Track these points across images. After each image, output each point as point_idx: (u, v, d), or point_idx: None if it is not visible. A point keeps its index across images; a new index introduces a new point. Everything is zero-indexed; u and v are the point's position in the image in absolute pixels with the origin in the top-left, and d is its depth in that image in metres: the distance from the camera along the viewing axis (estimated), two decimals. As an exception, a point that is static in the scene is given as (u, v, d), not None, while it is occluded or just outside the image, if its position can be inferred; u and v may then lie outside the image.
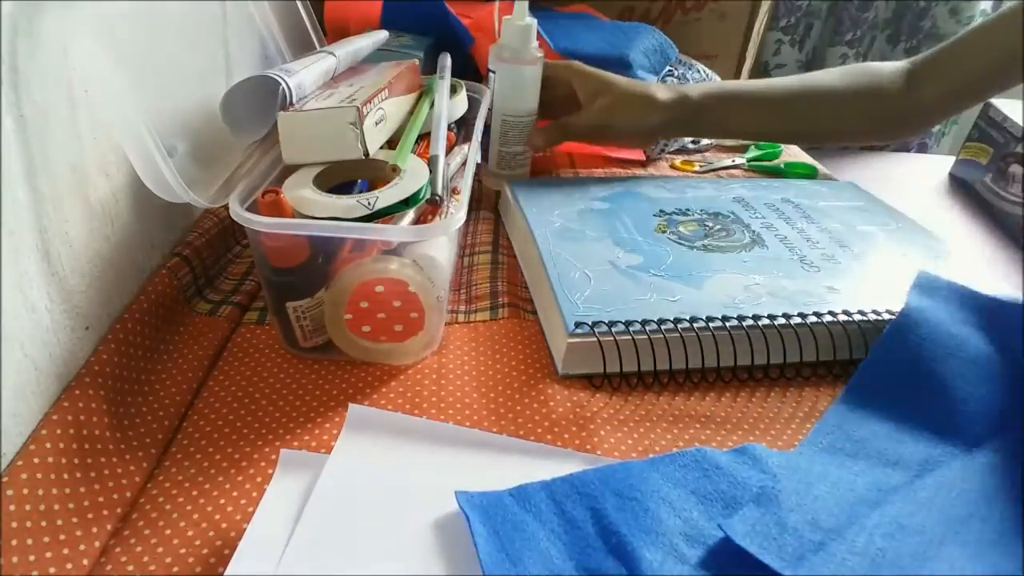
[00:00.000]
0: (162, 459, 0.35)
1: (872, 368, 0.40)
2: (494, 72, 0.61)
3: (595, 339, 0.40)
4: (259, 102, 0.44)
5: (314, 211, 0.38)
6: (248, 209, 0.37)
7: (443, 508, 0.30)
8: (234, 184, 0.40)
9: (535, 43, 0.61)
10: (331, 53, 0.50)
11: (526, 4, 0.59)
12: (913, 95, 0.62)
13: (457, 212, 0.39)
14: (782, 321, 0.42)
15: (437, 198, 0.40)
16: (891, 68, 0.63)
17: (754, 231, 0.54)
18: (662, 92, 0.61)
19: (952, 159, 0.78)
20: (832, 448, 0.36)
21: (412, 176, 0.41)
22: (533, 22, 0.60)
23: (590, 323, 0.41)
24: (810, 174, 0.71)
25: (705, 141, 0.79)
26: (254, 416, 0.38)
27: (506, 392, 0.40)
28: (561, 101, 0.62)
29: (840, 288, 0.46)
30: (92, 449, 0.32)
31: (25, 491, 0.29)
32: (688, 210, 0.57)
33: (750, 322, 0.42)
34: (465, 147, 0.53)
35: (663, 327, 0.41)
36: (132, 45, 0.39)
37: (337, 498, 0.30)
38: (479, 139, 0.51)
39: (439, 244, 0.42)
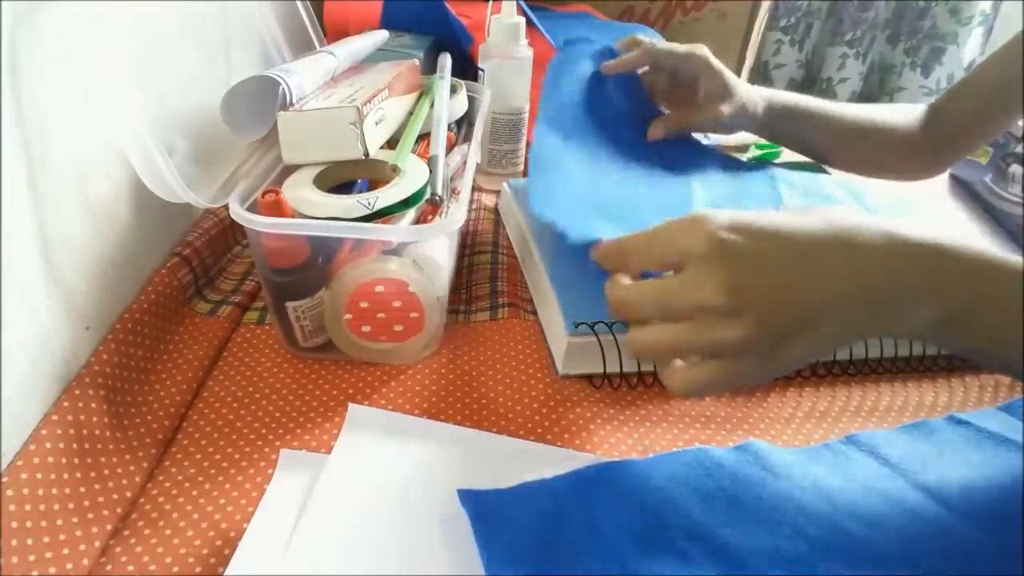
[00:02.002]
0: (162, 459, 0.35)
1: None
2: (483, 70, 0.61)
3: (595, 339, 0.40)
4: (259, 102, 0.44)
5: (314, 211, 0.38)
6: (248, 209, 0.37)
7: (443, 507, 0.30)
8: (234, 184, 0.40)
9: (524, 41, 0.61)
10: (331, 53, 0.50)
11: (514, 3, 0.59)
12: (929, 138, 0.63)
13: (457, 212, 0.39)
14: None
15: (437, 198, 0.40)
16: (919, 108, 0.65)
17: None
18: (760, 99, 0.60)
19: (952, 159, 0.78)
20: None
21: (412, 176, 0.41)
22: (521, 20, 0.60)
23: (590, 323, 0.41)
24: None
25: (705, 141, 0.78)
26: (254, 416, 0.38)
27: (506, 392, 0.40)
28: (683, 84, 0.60)
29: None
30: (92, 449, 0.32)
31: (25, 491, 0.29)
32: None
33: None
34: (465, 147, 0.53)
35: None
36: (132, 45, 0.39)
37: (337, 498, 0.30)
38: (479, 139, 0.51)
39: (439, 244, 0.42)
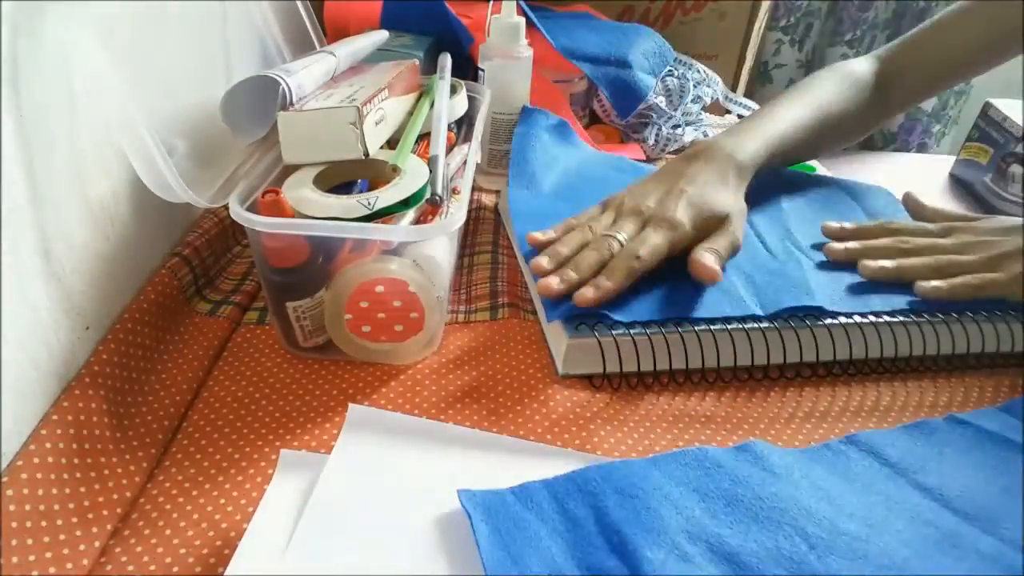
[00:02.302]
0: (162, 459, 0.35)
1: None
2: (483, 70, 0.61)
3: (595, 339, 0.40)
4: (259, 102, 0.44)
5: (314, 211, 0.38)
6: (248, 209, 0.37)
7: (443, 507, 0.30)
8: (234, 184, 0.40)
9: (524, 41, 0.61)
10: (331, 53, 0.50)
11: (514, 3, 0.60)
12: (884, 93, 0.63)
13: (457, 212, 0.39)
14: (783, 323, 0.42)
15: (437, 198, 0.40)
16: (864, 70, 0.63)
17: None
18: (739, 186, 0.51)
19: (952, 159, 0.78)
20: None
21: (412, 176, 0.41)
22: (521, 20, 0.60)
23: (590, 323, 0.41)
24: (810, 172, 0.71)
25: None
26: (254, 416, 0.38)
27: (506, 392, 0.40)
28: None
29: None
30: (92, 449, 0.32)
31: (25, 491, 0.29)
32: None
33: (751, 323, 0.42)
34: (465, 147, 0.53)
35: (663, 327, 0.41)
36: (132, 45, 0.39)
37: (337, 498, 0.30)
38: (479, 139, 0.51)
39: (439, 244, 0.42)
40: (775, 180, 0.60)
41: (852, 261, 0.48)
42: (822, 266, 0.49)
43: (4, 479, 0.28)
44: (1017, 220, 0.49)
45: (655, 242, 0.44)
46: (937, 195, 0.73)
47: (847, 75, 0.63)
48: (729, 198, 0.49)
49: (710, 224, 0.46)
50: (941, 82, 0.63)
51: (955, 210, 0.52)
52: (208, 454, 0.35)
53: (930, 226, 0.50)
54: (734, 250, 0.46)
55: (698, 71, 0.80)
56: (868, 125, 0.65)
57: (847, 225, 0.50)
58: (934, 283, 0.45)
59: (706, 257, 0.43)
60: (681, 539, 0.29)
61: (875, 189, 0.62)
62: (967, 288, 0.45)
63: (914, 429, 0.37)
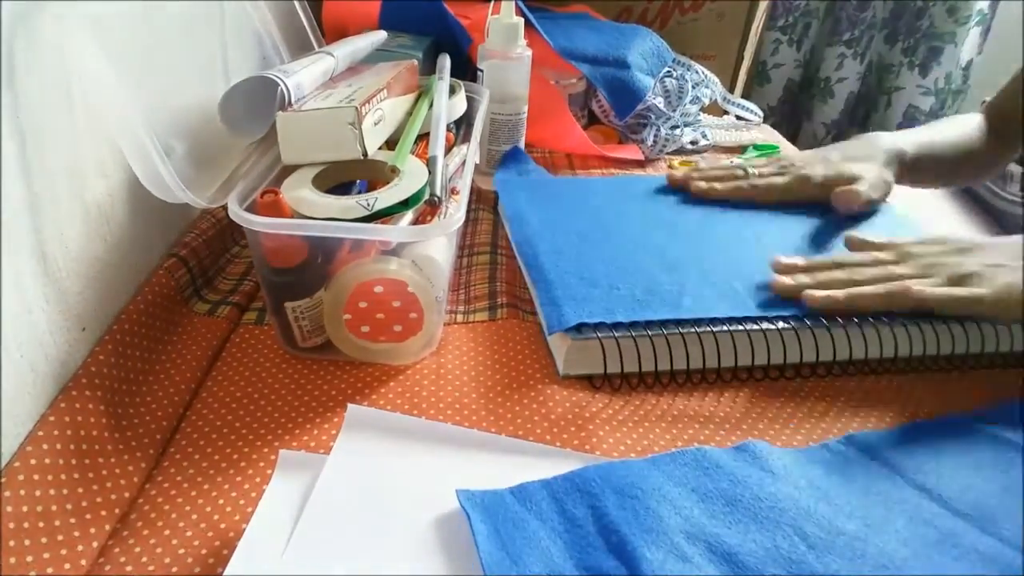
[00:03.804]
0: (160, 460, 0.35)
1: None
2: (482, 71, 0.61)
3: (596, 340, 0.40)
4: (258, 103, 0.44)
5: (313, 211, 0.38)
6: (247, 209, 0.36)
7: (442, 508, 0.30)
8: (233, 184, 0.40)
9: (523, 41, 0.61)
10: (330, 54, 0.50)
11: (513, 4, 0.60)
12: (992, 141, 0.68)
13: (456, 212, 0.38)
14: (783, 323, 0.42)
15: (436, 199, 0.40)
16: (980, 119, 0.69)
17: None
18: (888, 165, 0.61)
19: (951, 159, 0.78)
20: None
21: (411, 177, 0.41)
22: (520, 21, 0.60)
23: (591, 324, 0.41)
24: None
25: (704, 142, 0.79)
26: (253, 416, 0.38)
27: (505, 392, 0.40)
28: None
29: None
30: (90, 450, 0.32)
31: (23, 492, 0.28)
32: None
33: (750, 323, 0.42)
34: (464, 147, 0.53)
35: (664, 328, 0.41)
36: (131, 45, 0.39)
37: (336, 498, 0.30)
38: (478, 139, 0.51)
39: (438, 244, 0.41)
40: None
41: (798, 295, 0.44)
42: None
43: (2, 480, 0.28)
44: (967, 239, 0.47)
45: (777, 182, 0.57)
46: (937, 195, 0.73)
47: (979, 122, 0.69)
48: (865, 167, 0.57)
49: (836, 185, 0.55)
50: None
51: (903, 238, 0.49)
52: (207, 455, 0.35)
53: (882, 255, 0.47)
54: (867, 200, 0.55)
55: (696, 72, 0.80)
56: (990, 169, 0.71)
57: (798, 261, 0.48)
58: (824, 293, 0.43)
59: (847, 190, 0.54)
60: (680, 539, 0.29)
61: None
62: (874, 299, 0.43)
63: (914, 429, 0.37)
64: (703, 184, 0.58)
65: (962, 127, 0.67)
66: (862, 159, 0.59)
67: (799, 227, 0.55)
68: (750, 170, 0.59)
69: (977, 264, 0.43)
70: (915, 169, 0.62)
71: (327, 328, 0.40)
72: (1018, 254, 0.43)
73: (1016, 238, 0.45)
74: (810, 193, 0.56)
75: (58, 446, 0.31)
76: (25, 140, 0.31)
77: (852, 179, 0.56)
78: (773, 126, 0.91)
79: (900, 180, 0.61)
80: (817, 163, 0.59)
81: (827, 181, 0.56)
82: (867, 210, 0.56)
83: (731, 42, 0.91)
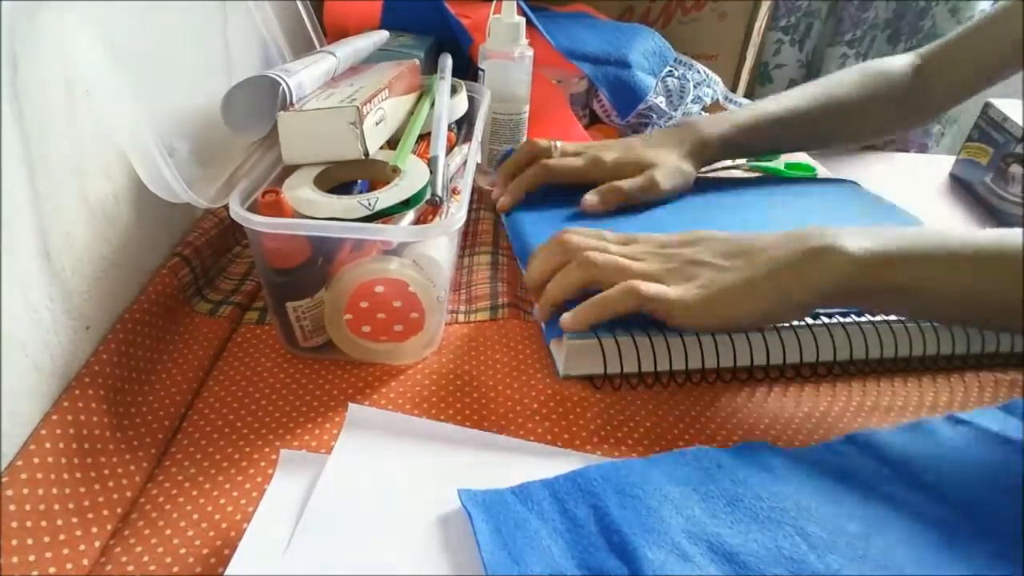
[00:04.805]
0: (162, 459, 0.35)
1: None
2: (483, 71, 0.61)
3: (596, 340, 0.40)
4: (259, 102, 0.44)
5: (314, 211, 0.38)
6: (248, 209, 0.37)
7: (443, 507, 0.30)
8: (234, 184, 0.40)
9: (524, 41, 0.61)
10: (331, 53, 0.50)
11: (514, 3, 0.60)
12: (923, 91, 0.64)
13: (457, 212, 0.39)
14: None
15: (437, 199, 0.40)
16: (900, 66, 0.65)
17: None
18: (691, 156, 0.60)
19: (952, 159, 0.78)
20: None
21: (412, 177, 0.41)
22: (521, 21, 0.60)
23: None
24: (811, 174, 0.71)
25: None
26: (254, 416, 0.38)
27: (506, 392, 0.40)
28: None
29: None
30: (92, 449, 0.32)
31: (25, 491, 0.29)
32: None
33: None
34: (465, 147, 0.53)
35: (664, 328, 0.41)
36: (132, 45, 0.39)
37: (337, 498, 0.30)
38: (479, 139, 0.51)
39: (439, 244, 0.42)
40: (750, 184, 0.64)
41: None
42: None
43: (4, 479, 0.28)
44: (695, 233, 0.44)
45: (571, 163, 0.56)
46: (937, 195, 0.73)
47: (876, 71, 0.65)
48: (663, 154, 0.57)
49: (627, 169, 0.56)
50: (981, 81, 0.64)
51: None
52: (208, 454, 0.35)
53: (608, 234, 0.45)
54: (643, 192, 0.55)
55: (698, 71, 0.80)
56: (898, 122, 0.67)
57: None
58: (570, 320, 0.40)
59: (586, 196, 0.54)
60: (681, 539, 0.29)
61: (839, 181, 0.64)
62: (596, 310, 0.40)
63: (914, 429, 0.37)
64: (512, 193, 0.56)
65: (830, 88, 0.63)
66: (663, 147, 0.59)
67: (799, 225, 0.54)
68: (554, 152, 0.58)
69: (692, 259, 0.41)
70: (749, 144, 0.62)
71: (328, 328, 0.40)
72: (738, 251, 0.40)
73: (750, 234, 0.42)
74: (603, 175, 0.56)
75: (61, 445, 0.31)
76: (29, 140, 0.31)
77: (646, 166, 0.56)
78: (775, 126, 0.90)
79: (731, 156, 0.63)
80: (616, 148, 0.58)
81: (617, 165, 0.56)
82: (661, 198, 0.56)
83: (733, 42, 0.91)
